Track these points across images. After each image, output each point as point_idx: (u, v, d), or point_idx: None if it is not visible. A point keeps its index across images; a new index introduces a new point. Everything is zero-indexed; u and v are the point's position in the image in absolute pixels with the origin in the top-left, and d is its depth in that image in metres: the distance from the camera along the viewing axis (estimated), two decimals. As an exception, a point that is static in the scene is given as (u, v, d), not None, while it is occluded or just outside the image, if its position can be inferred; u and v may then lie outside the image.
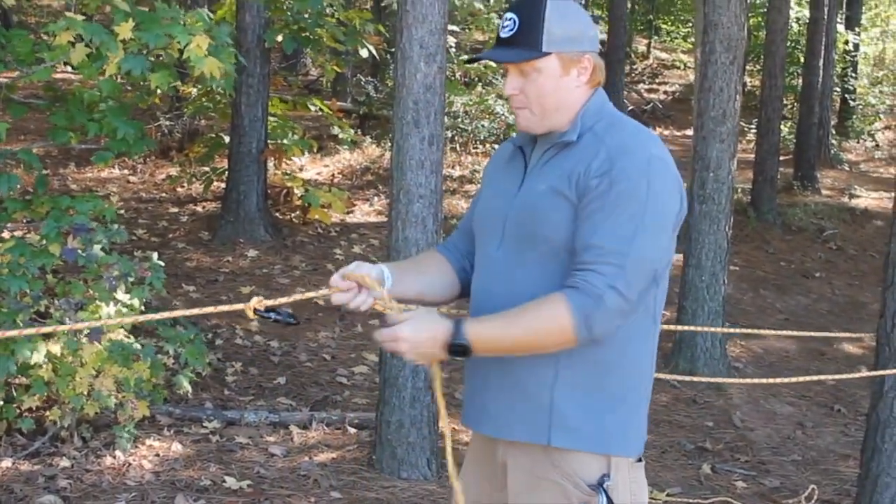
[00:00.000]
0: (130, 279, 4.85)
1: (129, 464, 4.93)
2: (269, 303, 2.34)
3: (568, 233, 2.24)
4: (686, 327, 6.51)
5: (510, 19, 2.33)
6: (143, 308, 4.95)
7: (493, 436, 2.38)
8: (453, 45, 13.03)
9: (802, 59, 16.04)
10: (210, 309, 2.39)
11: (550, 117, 2.34)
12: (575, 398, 2.27)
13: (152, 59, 5.17)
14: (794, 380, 5.21)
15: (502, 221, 2.37)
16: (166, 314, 2.29)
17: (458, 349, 2.20)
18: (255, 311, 2.32)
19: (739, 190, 11.35)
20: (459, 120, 13.92)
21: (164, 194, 11.25)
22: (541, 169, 2.34)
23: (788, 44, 14.35)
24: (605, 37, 20.47)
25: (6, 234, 5.28)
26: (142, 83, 5.74)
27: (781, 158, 13.24)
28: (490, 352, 2.24)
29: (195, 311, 2.41)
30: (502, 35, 2.35)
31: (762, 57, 14.39)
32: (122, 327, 4.85)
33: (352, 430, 5.60)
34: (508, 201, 2.37)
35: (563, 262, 2.24)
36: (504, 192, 2.41)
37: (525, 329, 2.20)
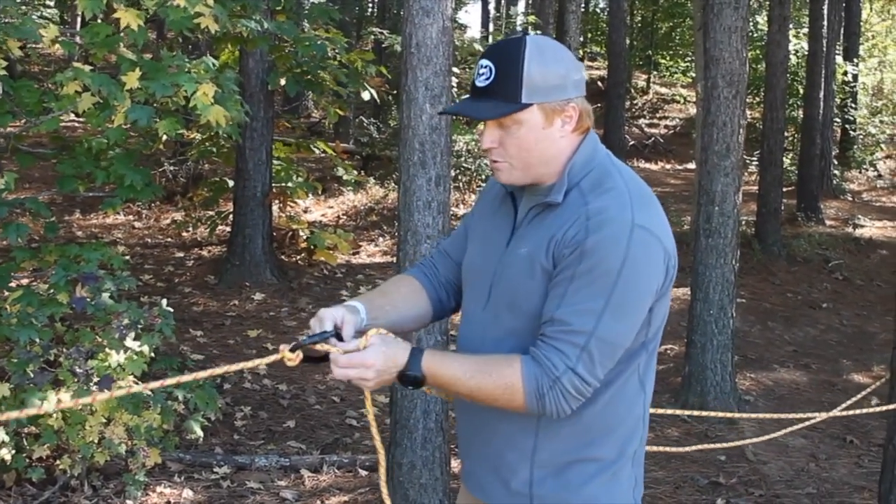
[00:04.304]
0: (140, 326, 4.85)
1: (141, 512, 4.91)
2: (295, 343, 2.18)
3: (543, 305, 2.13)
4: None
5: (485, 67, 2.16)
6: (152, 355, 4.94)
7: (478, 498, 2.35)
8: (455, 84, 13.11)
9: (802, 91, 16.13)
10: (251, 363, 2.26)
11: (534, 170, 2.19)
12: (555, 471, 2.21)
13: (158, 105, 5.21)
14: (816, 416, 5.18)
15: (489, 282, 2.27)
16: (203, 374, 2.21)
17: (410, 381, 2.14)
18: (293, 349, 2.15)
19: (743, 222, 11.36)
20: (462, 159, 13.98)
21: (169, 239, 11.28)
22: (526, 227, 2.22)
23: (788, 76, 14.42)
24: (604, 73, 20.57)
25: (14, 283, 5.28)
26: (147, 130, 5.77)
27: (784, 190, 13.27)
28: (440, 388, 2.19)
29: (233, 366, 2.29)
30: (478, 83, 2.17)
31: (762, 90, 14.47)
32: (132, 374, 4.83)
33: (363, 473, 5.57)
34: (495, 260, 2.26)
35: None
36: (492, 248, 2.29)
37: (478, 384, 2.12)
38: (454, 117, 8.55)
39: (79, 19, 18.08)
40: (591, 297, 2.06)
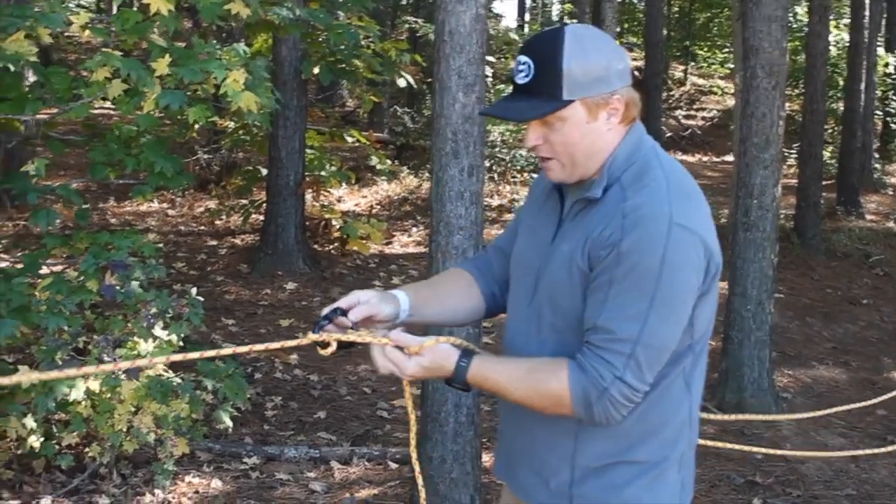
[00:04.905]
0: (169, 315, 4.81)
1: (169, 501, 4.88)
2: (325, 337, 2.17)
3: (583, 307, 2.10)
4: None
5: (524, 63, 2.10)
6: (181, 344, 4.90)
7: (520, 498, 2.34)
8: (490, 74, 13.01)
9: (843, 83, 15.88)
10: (275, 345, 2.25)
11: (582, 166, 2.14)
12: (596, 472, 2.18)
13: (189, 93, 5.16)
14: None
15: (534, 277, 2.23)
16: (226, 350, 2.17)
17: (457, 388, 2.18)
18: (314, 330, 2.16)
19: (782, 216, 11.18)
20: (497, 149, 13.88)
21: (202, 227, 11.28)
22: (570, 223, 2.18)
23: (828, 68, 14.17)
24: (641, 63, 20.39)
25: (45, 270, 5.26)
26: (179, 117, 5.72)
27: (824, 183, 13.05)
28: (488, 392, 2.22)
29: (257, 346, 2.25)
30: (517, 81, 2.12)
31: (802, 81, 14.24)
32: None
33: (393, 466, 5.51)
34: (542, 254, 2.22)
35: (580, 338, 2.11)
36: (538, 242, 2.25)
37: (524, 396, 2.13)
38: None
39: (114, 7, 18.13)
40: (632, 301, 2.02)
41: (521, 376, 2.12)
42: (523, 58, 2.12)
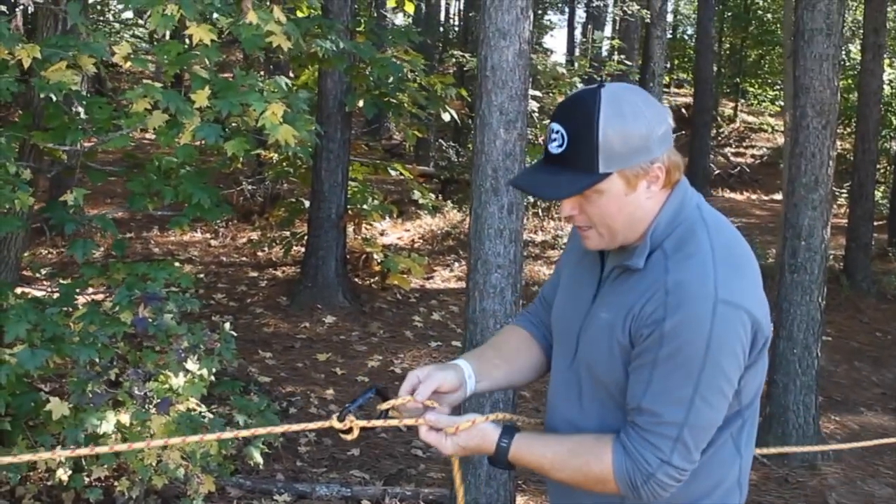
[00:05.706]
0: (201, 349, 4.76)
1: (197, 538, 4.80)
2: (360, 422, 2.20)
3: (623, 380, 2.02)
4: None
5: (557, 132, 1.96)
6: (213, 378, 4.84)
7: None
8: (535, 109, 12.95)
9: (895, 123, 15.62)
10: (298, 426, 2.29)
11: (622, 234, 2.03)
12: None
13: (233, 125, 5.14)
14: None
15: (575, 338, 2.14)
16: (227, 434, 2.15)
17: (499, 468, 2.15)
18: (340, 418, 2.16)
19: (831, 257, 10.96)
20: (542, 184, 13.76)
21: (244, 258, 11.29)
22: (609, 286, 2.07)
23: (881, 107, 13.94)
24: (690, 100, 20.25)
25: (82, 299, 5.24)
26: (220, 149, 5.72)
27: (875, 224, 12.81)
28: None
29: (278, 428, 2.34)
30: (550, 149, 1.99)
31: (852, 120, 14.03)
32: (192, 397, 4.74)
33: (426, 507, 5.41)
34: (581, 315, 2.12)
35: (622, 408, 2.04)
36: (578, 301, 2.15)
37: (569, 477, 2.07)
38: (531, 141, 8.33)
39: (167, 37, 18.36)
40: (677, 384, 1.93)
41: (565, 458, 2.05)
42: (556, 125, 1.98)
